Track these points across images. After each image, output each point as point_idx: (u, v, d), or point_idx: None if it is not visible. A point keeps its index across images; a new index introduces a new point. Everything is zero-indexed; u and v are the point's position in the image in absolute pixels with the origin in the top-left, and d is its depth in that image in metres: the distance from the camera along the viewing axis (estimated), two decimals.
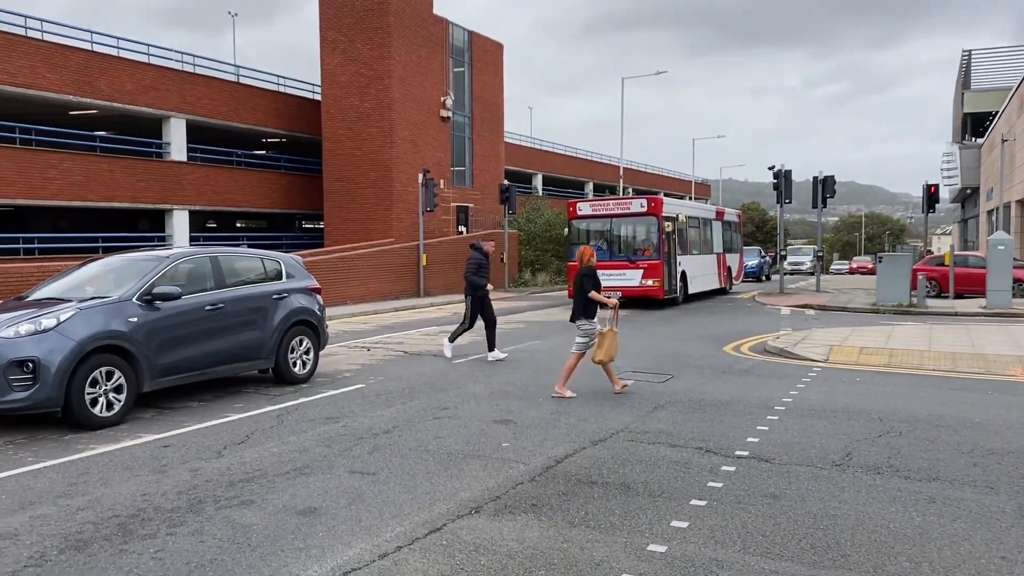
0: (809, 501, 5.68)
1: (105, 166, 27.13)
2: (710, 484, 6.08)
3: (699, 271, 25.31)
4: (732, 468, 6.50)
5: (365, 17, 31.75)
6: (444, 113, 34.70)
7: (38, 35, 25.71)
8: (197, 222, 33.87)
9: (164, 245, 29.35)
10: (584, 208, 23.48)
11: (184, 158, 29.99)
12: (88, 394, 8.01)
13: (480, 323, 13.46)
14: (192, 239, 30.44)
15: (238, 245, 33.71)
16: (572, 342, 9.99)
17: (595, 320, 9.76)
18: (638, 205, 22.64)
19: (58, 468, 6.69)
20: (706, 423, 8.15)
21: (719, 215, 28.97)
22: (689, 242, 24.71)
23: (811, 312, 21.94)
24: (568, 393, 9.59)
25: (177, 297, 8.98)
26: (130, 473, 6.51)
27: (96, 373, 8.10)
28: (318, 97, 35.62)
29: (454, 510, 5.56)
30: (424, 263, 28.40)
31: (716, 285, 27.47)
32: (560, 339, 15.44)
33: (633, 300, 22.34)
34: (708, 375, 11.19)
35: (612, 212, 22.90)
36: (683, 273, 23.73)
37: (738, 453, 6.97)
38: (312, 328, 11.13)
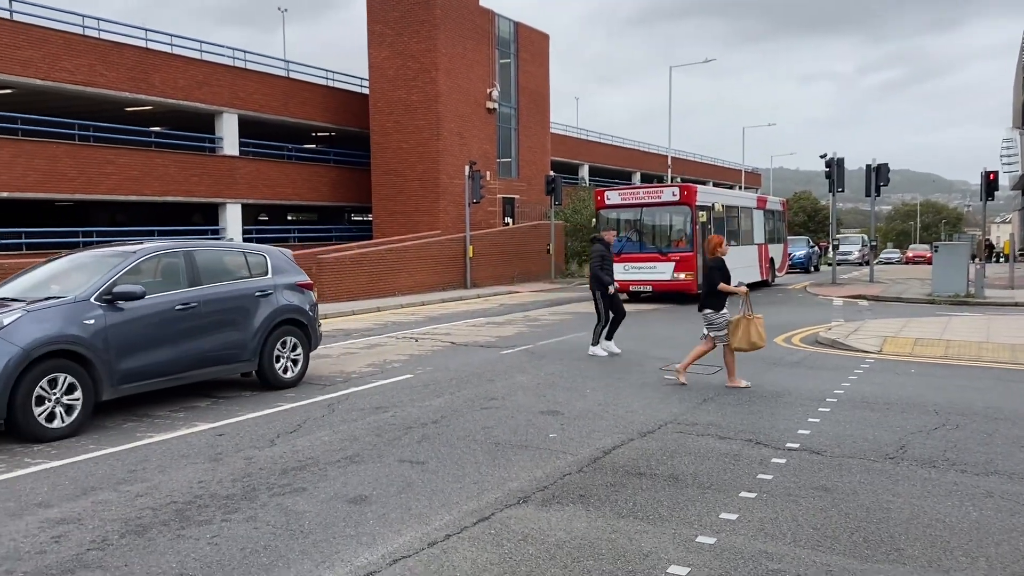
0: (862, 494, 5.60)
1: (160, 161, 27.75)
2: (760, 476, 6.02)
3: (737, 263, 23.33)
4: (782, 460, 6.43)
5: (412, 10, 31.91)
6: (490, 105, 34.74)
7: (95, 34, 26.36)
8: (250, 215, 34.52)
9: (218, 238, 29.96)
10: (613, 197, 22.47)
11: (236, 152, 30.53)
12: (37, 405, 7.32)
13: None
14: (245, 232, 31.00)
15: (288, 238, 34.28)
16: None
17: (724, 311, 9.68)
18: (670, 194, 21.51)
19: (119, 455, 6.89)
20: (756, 415, 8.06)
21: (760, 203, 27.59)
22: (726, 232, 22.88)
23: (864, 303, 21.52)
24: (686, 377, 9.49)
25: (141, 296, 8.21)
26: (187, 461, 6.68)
27: (44, 382, 7.38)
28: (366, 91, 35.95)
29: (502, 499, 5.60)
30: (471, 255, 28.52)
31: (757, 277, 25.78)
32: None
33: (664, 294, 21.71)
34: (759, 367, 11.05)
35: (642, 201, 21.84)
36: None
37: (789, 445, 6.88)
38: (301, 327, 10.20)
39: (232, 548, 4.78)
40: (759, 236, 26.59)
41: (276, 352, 9.82)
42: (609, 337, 12.48)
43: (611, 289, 12.33)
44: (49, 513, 5.44)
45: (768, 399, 8.82)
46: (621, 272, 18.50)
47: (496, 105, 35.01)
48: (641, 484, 5.92)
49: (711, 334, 9.69)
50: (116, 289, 8.10)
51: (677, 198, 21.26)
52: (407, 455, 6.73)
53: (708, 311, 9.71)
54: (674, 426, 7.68)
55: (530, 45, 37.88)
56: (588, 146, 51.89)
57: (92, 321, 7.84)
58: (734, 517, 5.17)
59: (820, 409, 8.27)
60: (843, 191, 27.67)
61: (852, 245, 50.14)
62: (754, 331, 9.44)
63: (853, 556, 4.54)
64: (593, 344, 12.37)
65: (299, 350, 10.18)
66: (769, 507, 5.35)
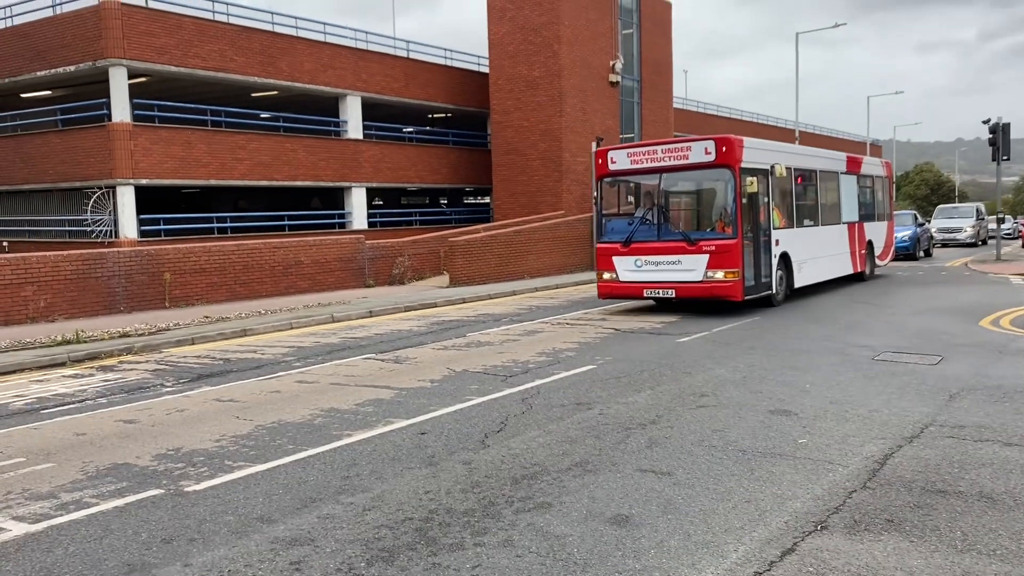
0: None
1: (288, 145, 27.78)
2: None
3: (813, 251, 17.03)
4: None
5: None
6: (613, 78, 33.46)
7: (224, 19, 26.48)
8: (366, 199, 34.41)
9: (345, 222, 29.91)
10: (619, 158, 15.36)
11: (360, 136, 30.35)
12: None
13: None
14: (369, 216, 30.87)
15: (411, 222, 34.06)
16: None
17: None
18: (700, 151, 14.29)
19: (323, 458, 6.29)
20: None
21: (852, 166, 20.12)
22: (796, 207, 16.55)
23: None
24: None
25: None
26: (400, 465, 6.01)
27: None
28: (483, 69, 35.25)
29: (794, 524, 4.67)
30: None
31: (846, 270, 19.17)
32: (774, 316, 14.23)
33: (692, 302, 15.10)
34: (984, 356, 9.74)
35: (661, 164, 14.75)
36: (783, 256, 15.54)
37: None
38: None
39: None
40: (850, 211, 19.56)
41: None
42: None
43: None
44: (276, 531, 4.82)
45: None
46: (631, 270, 14.88)
47: (619, 78, 33.70)
48: (951, 505, 4.90)
49: None
50: None
51: (713, 157, 14.13)
52: (645, 463, 5.87)
53: None
54: (937, 429, 6.58)
55: (652, 14, 36.34)
56: (709, 120, 49.88)
57: None
58: None
59: None
60: (1008, 159, 25.31)
61: (963, 219, 37.91)
62: None
63: None
64: None
65: None
66: None
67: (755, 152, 14.81)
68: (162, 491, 5.61)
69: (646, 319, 14.23)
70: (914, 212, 32.98)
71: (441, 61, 34.43)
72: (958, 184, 28.78)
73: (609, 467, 5.81)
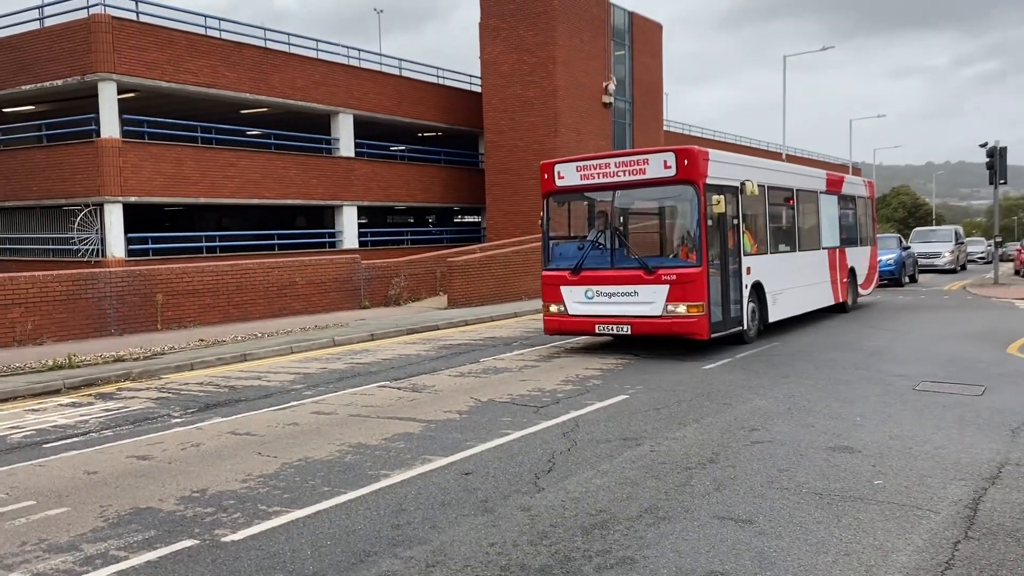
0: None
1: (280, 163, 27.26)
2: None
3: (790, 280, 15.16)
4: None
5: (528, 1, 30.74)
6: (606, 99, 33.33)
7: (216, 34, 25.99)
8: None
9: (335, 240, 29.37)
10: (567, 173, 13.30)
11: (352, 153, 29.88)
12: None
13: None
14: (360, 236, 30.34)
15: (402, 241, 33.55)
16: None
17: None
18: (659, 165, 12.35)
19: (365, 502, 5.78)
20: None
21: (833, 185, 18.13)
22: (770, 231, 14.75)
23: None
24: None
25: None
26: (453, 511, 5.53)
27: None
28: (474, 89, 34.99)
29: None
30: None
31: (826, 300, 17.19)
32: (813, 333, 13.90)
33: (652, 339, 13.33)
34: (1021, 384, 9.44)
35: (615, 179, 12.79)
36: (756, 287, 13.72)
37: None
38: None
39: None
40: (831, 235, 17.70)
41: None
42: None
43: None
44: None
45: None
46: (581, 301, 12.91)
47: (612, 99, 33.58)
48: None
49: None
50: None
51: (673, 172, 12.22)
52: (720, 509, 5.43)
53: None
54: (1015, 468, 6.22)
55: (644, 35, 36.32)
56: (696, 142, 49.95)
57: None
58: None
59: None
60: (1005, 183, 25.30)
61: (940, 244, 34.82)
62: None
63: None
64: None
65: None
66: None
67: (722, 167, 12.94)
68: (196, 541, 5.09)
69: (680, 345, 13.79)
70: (898, 235, 30.46)
71: (433, 80, 34.11)
72: (996, 206, 27.64)
73: (683, 514, 5.37)
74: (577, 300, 12.95)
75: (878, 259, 22.40)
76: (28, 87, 23.99)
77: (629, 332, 12.48)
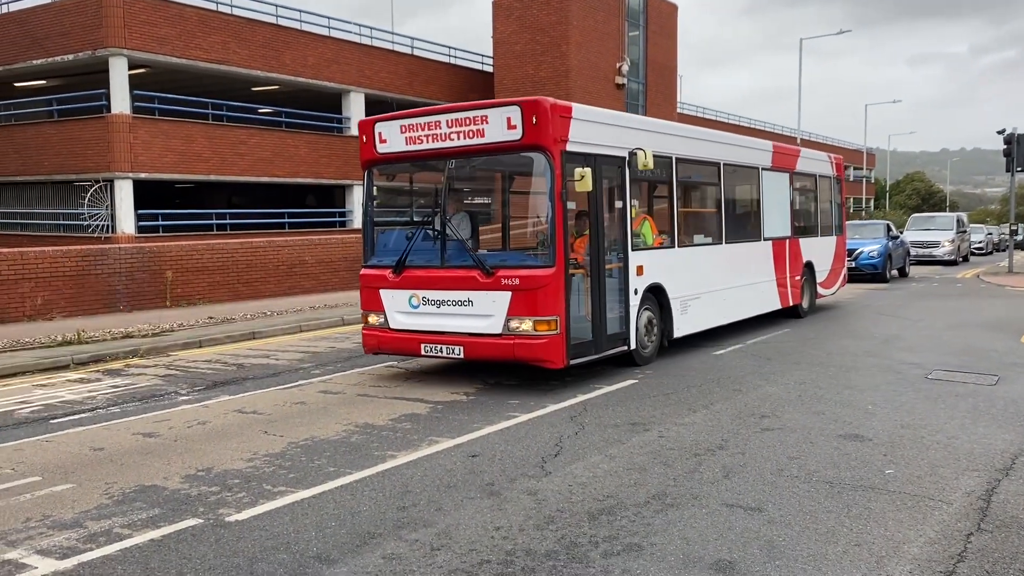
0: None
1: (291, 142, 27.17)
2: None
3: (708, 281, 11.87)
4: None
5: None
6: (619, 80, 33.06)
7: (228, 9, 25.83)
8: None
9: (346, 220, 29.32)
10: (390, 135, 9.68)
11: None
12: None
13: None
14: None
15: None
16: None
17: None
18: (501, 124, 8.72)
19: (371, 483, 5.75)
20: None
21: (781, 161, 14.37)
22: (680, 216, 11.32)
23: None
24: None
25: None
26: (459, 494, 5.48)
27: None
28: (487, 69, 34.74)
29: (919, 575, 4.18)
30: None
31: (770, 304, 13.81)
32: (802, 327, 13.77)
33: (491, 365, 9.94)
34: None
35: (448, 144, 9.19)
36: (653, 291, 10.42)
37: None
38: None
39: None
40: (777, 223, 14.13)
41: None
42: None
43: None
44: (338, 572, 4.28)
45: None
46: (405, 311, 9.45)
47: (625, 80, 33.30)
48: None
49: None
50: None
51: (519, 135, 8.67)
52: (728, 497, 5.37)
53: None
54: None
55: (659, 16, 35.95)
56: (710, 125, 49.56)
57: None
58: None
59: None
60: (1022, 170, 25.00)
61: (940, 232, 30.84)
62: None
63: None
64: None
65: None
66: None
67: (596, 128, 9.41)
68: (200, 520, 5.06)
69: None
70: (887, 223, 25.69)
71: (445, 59, 33.89)
72: (1012, 195, 26.19)
73: (691, 501, 5.30)
74: (399, 309, 9.50)
75: (861, 251, 21.22)
76: (39, 61, 23.93)
77: (461, 356, 9.08)
